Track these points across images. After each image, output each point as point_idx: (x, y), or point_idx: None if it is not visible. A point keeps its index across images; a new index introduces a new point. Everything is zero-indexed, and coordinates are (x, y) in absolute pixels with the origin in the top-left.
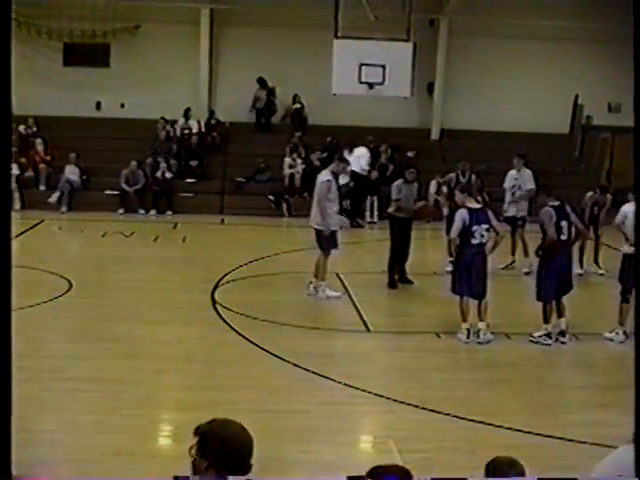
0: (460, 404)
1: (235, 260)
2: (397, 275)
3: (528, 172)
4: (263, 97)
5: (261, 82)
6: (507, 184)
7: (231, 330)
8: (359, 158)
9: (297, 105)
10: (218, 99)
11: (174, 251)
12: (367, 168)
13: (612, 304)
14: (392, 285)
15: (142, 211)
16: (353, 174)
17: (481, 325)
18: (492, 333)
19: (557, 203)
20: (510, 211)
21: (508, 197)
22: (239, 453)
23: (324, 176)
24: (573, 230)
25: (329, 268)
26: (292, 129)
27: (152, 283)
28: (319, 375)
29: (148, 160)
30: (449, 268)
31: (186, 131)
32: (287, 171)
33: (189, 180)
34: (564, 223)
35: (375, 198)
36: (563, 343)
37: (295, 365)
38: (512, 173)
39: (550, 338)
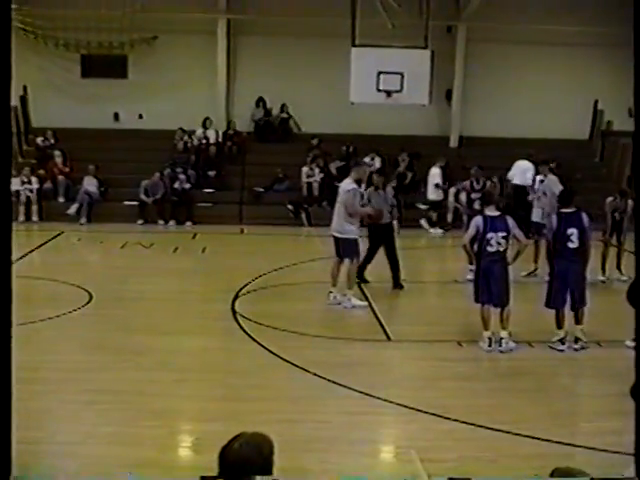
0: (482, 413)
1: (255, 270)
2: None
3: (554, 178)
4: (260, 116)
5: (260, 102)
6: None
7: (252, 340)
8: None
9: (284, 115)
10: (236, 109)
11: (194, 262)
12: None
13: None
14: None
15: (161, 222)
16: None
17: (503, 333)
18: (514, 341)
19: (571, 210)
20: (535, 216)
21: (534, 203)
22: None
23: (348, 185)
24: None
25: (344, 277)
26: (278, 139)
27: (172, 294)
28: (340, 385)
29: (166, 171)
30: (470, 276)
31: (204, 141)
32: (305, 180)
33: (208, 190)
34: (572, 230)
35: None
36: (575, 350)
37: (316, 375)
38: (537, 179)
39: (563, 344)
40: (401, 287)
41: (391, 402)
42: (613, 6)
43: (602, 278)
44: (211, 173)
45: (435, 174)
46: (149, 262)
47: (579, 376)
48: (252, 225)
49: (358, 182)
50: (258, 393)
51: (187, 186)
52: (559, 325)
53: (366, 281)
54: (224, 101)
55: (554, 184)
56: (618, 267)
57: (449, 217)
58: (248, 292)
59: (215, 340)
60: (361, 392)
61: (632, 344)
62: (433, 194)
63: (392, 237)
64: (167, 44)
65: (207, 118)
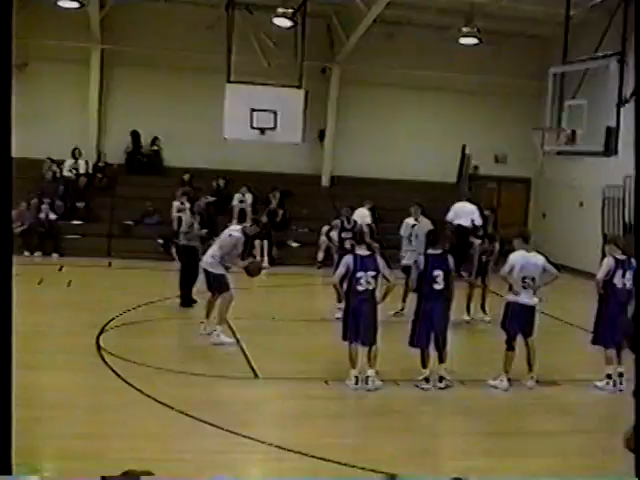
0: (348, 452)
1: (122, 304)
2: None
3: (426, 221)
4: (132, 148)
5: (133, 134)
6: (404, 232)
7: (116, 376)
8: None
9: (155, 148)
10: (108, 140)
11: (59, 294)
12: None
13: (498, 351)
14: (187, 304)
15: (27, 253)
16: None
17: (370, 372)
18: (381, 380)
19: (438, 252)
20: (406, 259)
21: (405, 246)
22: None
23: (234, 231)
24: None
25: (215, 312)
26: (149, 172)
27: (34, 327)
28: (206, 423)
29: (33, 201)
30: (339, 315)
31: (74, 171)
32: (175, 214)
33: (76, 222)
34: (438, 272)
35: (266, 242)
36: (440, 389)
37: (181, 412)
38: (409, 221)
39: (428, 382)
40: (194, 301)
41: (258, 440)
42: (485, 57)
43: (466, 318)
44: (79, 204)
45: (365, 215)
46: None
47: (444, 414)
48: (121, 259)
49: (246, 235)
50: (121, 430)
51: (52, 217)
52: (424, 364)
53: (194, 301)
54: (96, 132)
55: (425, 227)
56: (482, 308)
57: (320, 255)
58: (114, 327)
59: (78, 376)
60: (227, 430)
61: (494, 383)
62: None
63: (197, 259)
64: (38, 71)
65: (76, 148)
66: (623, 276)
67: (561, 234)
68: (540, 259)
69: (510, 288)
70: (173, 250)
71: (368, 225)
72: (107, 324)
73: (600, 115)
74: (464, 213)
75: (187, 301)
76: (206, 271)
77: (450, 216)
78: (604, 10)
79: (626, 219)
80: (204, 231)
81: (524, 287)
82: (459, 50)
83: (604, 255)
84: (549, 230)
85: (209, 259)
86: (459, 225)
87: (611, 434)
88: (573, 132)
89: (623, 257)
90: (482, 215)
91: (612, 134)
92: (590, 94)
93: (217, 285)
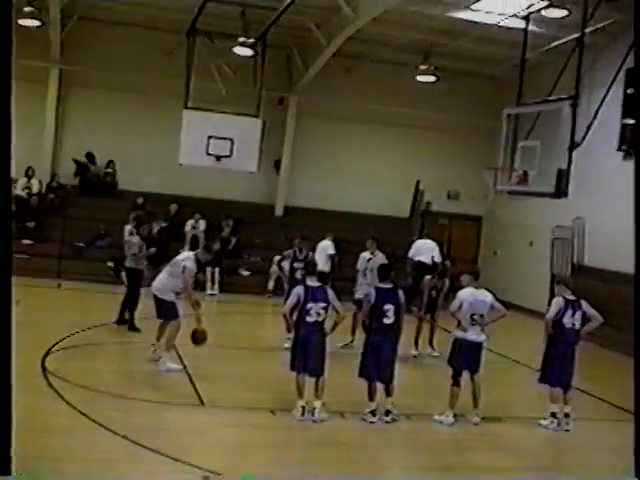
0: None
1: (69, 327)
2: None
3: (381, 255)
4: (86, 170)
5: (88, 156)
6: (360, 266)
7: (61, 400)
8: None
9: (109, 170)
10: (62, 161)
11: None
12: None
13: (444, 386)
14: (121, 322)
15: None
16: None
17: (316, 403)
18: (327, 412)
19: (389, 286)
20: (360, 292)
21: (360, 279)
22: None
23: (187, 260)
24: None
25: (164, 340)
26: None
27: None
28: (149, 449)
29: None
30: (287, 345)
31: (26, 191)
32: (127, 238)
33: (25, 242)
34: (389, 306)
35: (217, 270)
36: (386, 422)
37: (125, 438)
38: (365, 255)
39: (374, 416)
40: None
41: (201, 468)
42: (441, 94)
43: (414, 353)
44: (30, 224)
45: (328, 245)
46: None
47: (389, 448)
48: (70, 280)
49: (197, 261)
50: (64, 454)
51: None
52: (371, 397)
53: (137, 329)
54: (51, 152)
55: (380, 261)
56: (430, 343)
57: (270, 284)
58: (61, 349)
59: (22, 398)
60: (171, 457)
61: (439, 418)
62: (325, 265)
63: (140, 282)
64: None
65: (30, 167)
66: (572, 316)
67: (511, 272)
68: (488, 296)
69: (458, 324)
70: (123, 274)
71: (331, 256)
72: (54, 346)
73: (552, 157)
74: (425, 250)
75: (132, 325)
76: (155, 297)
77: (412, 252)
78: (559, 53)
79: (574, 260)
80: (152, 250)
81: (472, 324)
82: (416, 87)
83: (553, 295)
84: (499, 268)
85: (159, 285)
86: (419, 261)
87: (551, 472)
88: (525, 173)
89: (573, 297)
90: (442, 252)
91: (563, 176)
92: (543, 136)
93: (165, 312)
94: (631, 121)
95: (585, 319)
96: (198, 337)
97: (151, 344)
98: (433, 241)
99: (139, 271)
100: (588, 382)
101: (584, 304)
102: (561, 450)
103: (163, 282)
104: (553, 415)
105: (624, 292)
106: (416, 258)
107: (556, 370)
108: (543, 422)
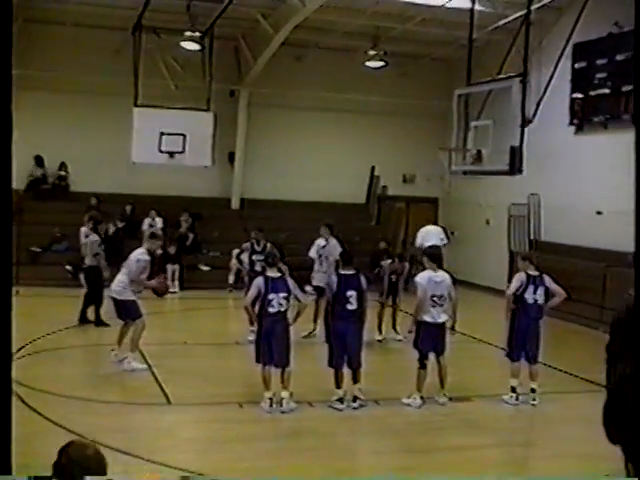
0: (264, 474)
1: (31, 333)
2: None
3: (334, 241)
4: (38, 174)
5: (37, 159)
6: (313, 253)
7: (25, 406)
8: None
9: (62, 173)
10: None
11: None
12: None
13: (411, 369)
14: (84, 321)
15: None
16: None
17: (284, 394)
18: (295, 401)
19: (351, 272)
20: (316, 280)
21: (316, 266)
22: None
23: (140, 254)
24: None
25: (127, 339)
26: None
27: None
28: (119, 451)
29: None
30: (251, 337)
31: None
32: (84, 240)
33: None
34: (351, 292)
35: (177, 267)
36: (354, 408)
37: (94, 441)
38: (319, 242)
39: (342, 403)
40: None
41: (173, 467)
42: (391, 79)
43: (379, 338)
44: None
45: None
46: None
47: (358, 434)
48: (28, 286)
49: (150, 253)
50: (31, 462)
51: None
52: (338, 384)
53: (105, 324)
54: None
55: (334, 248)
56: (394, 327)
57: (231, 278)
58: (23, 356)
59: None
60: (141, 457)
61: (407, 401)
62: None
63: (100, 279)
64: None
65: None
66: (535, 292)
67: (469, 252)
68: (447, 277)
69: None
70: (81, 276)
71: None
72: (16, 352)
73: (505, 135)
74: (433, 235)
75: (99, 321)
76: (114, 300)
77: (419, 241)
78: (506, 32)
79: (531, 236)
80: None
81: (433, 306)
82: (367, 72)
83: (513, 271)
84: (457, 248)
85: (117, 287)
86: (432, 246)
87: (522, 447)
88: (479, 152)
89: (536, 273)
90: (446, 234)
91: (516, 153)
92: (495, 115)
93: (126, 313)
94: (580, 95)
95: (548, 294)
96: (159, 287)
97: (111, 349)
98: (435, 225)
99: (97, 268)
100: (551, 356)
101: (547, 280)
102: (531, 425)
103: (121, 281)
104: (513, 390)
105: (581, 265)
106: (426, 244)
107: (518, 345)
108: (505, 397)
